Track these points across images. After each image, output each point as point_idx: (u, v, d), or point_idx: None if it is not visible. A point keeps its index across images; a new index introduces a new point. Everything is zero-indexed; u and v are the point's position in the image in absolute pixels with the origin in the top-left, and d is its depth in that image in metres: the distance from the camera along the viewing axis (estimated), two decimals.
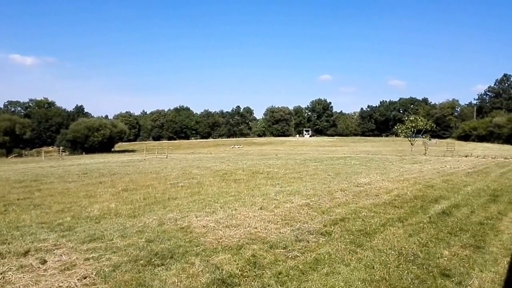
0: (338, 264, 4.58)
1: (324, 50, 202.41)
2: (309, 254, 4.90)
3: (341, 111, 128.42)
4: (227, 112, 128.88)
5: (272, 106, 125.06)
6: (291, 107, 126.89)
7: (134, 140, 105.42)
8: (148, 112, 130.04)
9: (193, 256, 4.75)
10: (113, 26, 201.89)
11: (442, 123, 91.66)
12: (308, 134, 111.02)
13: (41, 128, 77.45)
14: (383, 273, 4.28)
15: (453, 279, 4.20)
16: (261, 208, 7.77)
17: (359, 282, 4.03)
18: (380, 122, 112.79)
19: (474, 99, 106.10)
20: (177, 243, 5.31)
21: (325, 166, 18.26)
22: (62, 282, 3.95)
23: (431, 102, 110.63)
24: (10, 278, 4.04)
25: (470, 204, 8.55)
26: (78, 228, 6.27)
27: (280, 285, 3.96)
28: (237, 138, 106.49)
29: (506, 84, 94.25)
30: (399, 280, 4.12)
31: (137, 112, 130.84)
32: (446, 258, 4.86)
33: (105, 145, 57.48)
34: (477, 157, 27.32)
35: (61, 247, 5.14)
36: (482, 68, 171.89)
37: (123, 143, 75.88)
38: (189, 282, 3.98)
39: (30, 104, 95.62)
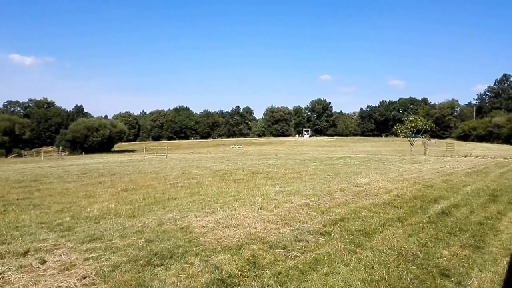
0: (337, 264, 4.59)
1: (324, 50, 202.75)
2: (308, 254, 4.90)
3: (341, 111, 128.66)
4: (226, 112, 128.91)
5: (271, 106, 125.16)
6: (290, 107, 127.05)
7: (134, 140, 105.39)
8: (147, 112, 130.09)
9: (193, 256, 4.75)
10: (112, 26, 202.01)
11: (442, 123, 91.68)
12: (308, 134, 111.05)
13: (40, 128, 77.39)
14: (383, 273, 4.29)
15: (453, 279, 4.21)
16: (260, 208, 7.77)
17: (359, 282, 4.03)
18: (380, 122, 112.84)
19: (474, 99, 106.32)
20: (176, 243, 5.31)
21: (325, 166, 18.26)
22: (61, 282, 3.95)
23: (430, 102, 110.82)
24: (9, 278, 4.04)
25: (469, 204, 8.56)
26: (78, 228, 6.27)
27: (280, 285, 3.96)
28: (237, 138, 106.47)
29: (506, 84, 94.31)
30: (399, 280, 4.12)
31: (136, 112, 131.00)
32: (445, 258, 4.87)
33: (105, 145, 57.45)
34: (477, 157, 27.33)
35: (61, 247, 5.13)
36: (482, 68, 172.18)
37: (123, 143, 75.85)
38: (189, 282, 3.98)
39: (30, 104, 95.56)
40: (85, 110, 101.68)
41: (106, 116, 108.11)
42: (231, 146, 63.86)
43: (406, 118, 41.32)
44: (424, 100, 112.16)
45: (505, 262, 4.77)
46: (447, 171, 15.93)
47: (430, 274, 4.33)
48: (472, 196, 9.64)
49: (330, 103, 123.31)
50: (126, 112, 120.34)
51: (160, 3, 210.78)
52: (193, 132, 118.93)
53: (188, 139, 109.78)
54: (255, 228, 6.17)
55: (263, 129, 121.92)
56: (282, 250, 5.05)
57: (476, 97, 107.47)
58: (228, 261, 4.58)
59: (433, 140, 53.65)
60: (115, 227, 6.24)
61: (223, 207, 7.85)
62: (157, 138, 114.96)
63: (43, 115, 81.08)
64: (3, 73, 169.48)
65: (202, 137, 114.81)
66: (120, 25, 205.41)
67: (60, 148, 48.21)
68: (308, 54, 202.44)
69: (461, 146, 48.73)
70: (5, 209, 8.09)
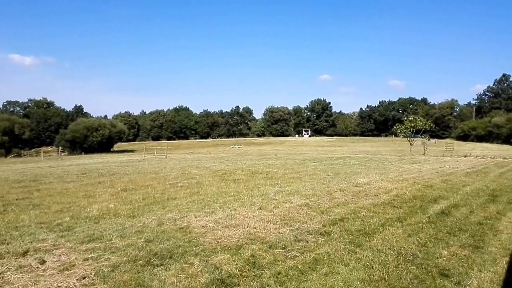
0: (337, 264, 4.59)
1: (324, 50, 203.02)
2: (308, 254, 4.90)
3: (340, 111, 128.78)
4: (226, 112, 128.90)
5: (271, 106, 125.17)
6: (290, 107, 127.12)
7: (133, 140, 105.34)
8: (147, 112, 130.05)
9: (192, 256, 4.75)
10: (112, 26, 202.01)
11: (441, 123, 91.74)
12: (308, 134, 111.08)
13: (40, 128, 77.34)
14: (382, 273, 4.29)
15: (452, 279, 4.21)
16: (260, 208, 7.77)
17: (358, 282, 4.03)
18: (379, 122, 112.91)
19: (473, 99, 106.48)
20: (176, 243, 5.31)
21: (324, 166, 18.27)
22: (61, 282, 3.95)
23: (430, 102, 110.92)
24: (9, 278, 4.04)
25: (469, 204, 8.56)
26: (77, 228, 6.27)
27: (279, 285, 3.96)
28: (236, 138, 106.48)
29: (505, 84, 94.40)
30: (398, 280, 4.13)
31: (136, 112, 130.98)
32: (445, 258, 4.87)
33: (104, 145, 57.42)
34: (476, 157, 27.35)
35: (60, 247, 5.13)
36: (481, 68, 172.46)
37: (122, 143, 75.80)
38: (188, 282, 3.97)
39: (29, 104, 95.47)
40: (84, 110, 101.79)
41: (105, 116, 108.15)
42: (231, 146, 63.85)
43: (405, 118, 41.34)
44: (424, 100, 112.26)
45: (504, 262, 4.77)
46: (446, 171, 15.94)
47: (430, 274, 4.33)
48: (472, 196, 9.64)
49: (329, 103, 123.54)
50: (125, 112, 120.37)
51: (160, 3, 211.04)
52: (192, 132, 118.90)
53: (187, 139, 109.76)
54: (255, 228, 6.17)
55: (263, 129, 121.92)
56: (281, 250, 5.05)
57: (475, 97, 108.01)
58: (227, 261, 4.58)
59: (433, 140, 53.68)
60: (114, 227, 6.23)
61: (222, 207, 7.84)
62: (156, 138, 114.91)
63: (43, 115, 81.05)
64: (2, 73, 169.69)
65: (201, 137, 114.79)
66: (120, 25, 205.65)
67: (60, 148, 48.14)
68: (308, 54, 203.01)
69: (460, 146, 48.75)
70: (5, 209, 8.09)
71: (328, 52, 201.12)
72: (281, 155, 30.97)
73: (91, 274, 4.16)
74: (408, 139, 37.54)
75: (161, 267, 4.40)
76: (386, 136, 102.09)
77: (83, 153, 51.24)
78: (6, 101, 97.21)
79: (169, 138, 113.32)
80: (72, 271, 4.26)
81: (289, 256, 4.83)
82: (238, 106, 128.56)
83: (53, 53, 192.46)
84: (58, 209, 8.05)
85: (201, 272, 4.24)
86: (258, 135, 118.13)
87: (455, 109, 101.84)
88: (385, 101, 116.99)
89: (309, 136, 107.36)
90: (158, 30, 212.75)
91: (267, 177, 13.62)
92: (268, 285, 3.95)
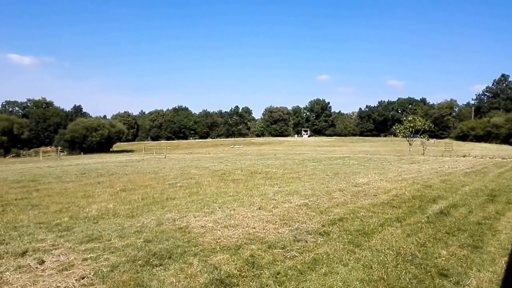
0: (336, 264, 4.59)
1: (323, 50, 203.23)
2: (307, 254, 4.91)
3: (340, 111, 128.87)
4: (225, 112, 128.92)
5: (270, 106, 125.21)
6: (289, 107, 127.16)
7: (133, 140, 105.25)
8: (146, 112, 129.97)
9: (192, 256, 4.75)
10: (111, 26, 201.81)
11: (440, 123, 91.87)
12: (307, 134, 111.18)
13: (39, 128, 77.18)
14: (381, 273, 4.29)
15: (451, 279, 4.21)
16: (259, 208, 7.77)
17: (357, 282, 4.04)
18: (379, 122, 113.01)
19: (472, 99, 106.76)
20: (175, 243, 5.30)
21: (324, 166, 18.27)
22: (60, 283, 3.94)
23: (429, 102, 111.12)
24: (8, 279, 4.03)
25: (468, 204, 8.57)
26: (76, 228, 6.26)
27: (279, 285, 3.96)
28: (236, 138, 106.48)
29: (504, 84, 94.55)
30: (397, 280, 4.13)
31: (135, 112, 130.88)
32: (444, 258, 4.87)
33: (103, 145, 57.39)
34: (475, 157, 27.40)
35: (59, 247, 5.12)
36: (480, 68, 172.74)
37: (122, 143, 75.76)
38: (188, 282, 3.97)
39: (28, 104, 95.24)
40: (83, 110, 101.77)
41: (104, 116, 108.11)
42: (231, 146, 63.85)
43: (404, 118, 41.34)
44: (423, 100, 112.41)
45: (503, 262, 4.78)
46: (445, 171, 15.96)
47: (429, 274, 4.34)
48: (471, 196, 9.66)
49: (329, 103, 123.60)
50: (125, 112, 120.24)
51: (160, 3, 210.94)
52: (192, 132, 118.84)
53: (187, 139, 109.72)
54: (254, 228, 6.17)
55: (262, 129, 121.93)
56: (281, 250, 5.05)
57: (474, 97, 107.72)
58: (226, 261, 4.58)
59: (432, 140, 53.69)
60: (113, 227, 6.22)
61: (222, 207, 7.84)
62: (156, 138, 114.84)
63: (42, 115, 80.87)
64: (1, 73, 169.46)
65: (201, 137, 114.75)
66: (119, 25, 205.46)
67: (59, 148, 48.06)
68: (307, 54, 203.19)
69: (459, 146, 48.83)
70: (4, 209, 8.07)
71: (327, 52, 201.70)
72: (280, 155, 30.97)
73: (90, 274, 4.16)
74: (407, 139, 37.54)
75: (160, 267, 4.39)
76: (385, 136, 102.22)
77: (82, 153, 51.20)
78: (5, 101, 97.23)
79: (168, 138, 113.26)
80: (71, 271, 4.26)
81: (288, 256, 4.83)
82: (237, 106, 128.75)
83: (52, 53, 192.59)
84: (57, 209, 8.04)
85: (200, 272, 4.24)
86: (257, 135, 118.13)
87: (454, 109, 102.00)
88: (384, 101, 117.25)
89: (308, 136, 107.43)
90: (157, 30, 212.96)
91: (266, 177, 13.62)
92: (267, 285, 3.95)
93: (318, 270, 4.37)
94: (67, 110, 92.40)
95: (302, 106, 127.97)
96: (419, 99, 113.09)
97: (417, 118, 38.77)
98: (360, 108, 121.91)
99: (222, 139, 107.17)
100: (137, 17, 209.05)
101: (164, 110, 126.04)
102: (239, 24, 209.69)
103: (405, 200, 9.01)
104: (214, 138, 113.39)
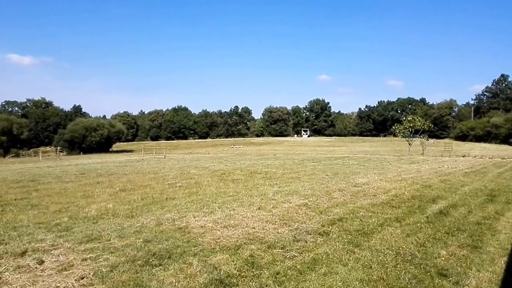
0: (336, 264, 4.59)
1: (322, 50, 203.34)
2: (307, 254, 4.90)
3: (339, 111, 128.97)
4: (225, 112, 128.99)
5: (270, 106, 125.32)
6: (289, 107, 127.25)
7: (132, 140, 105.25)
8: (146, 112, 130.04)
9: (191, 256, 4.74)
10: (111, 26, 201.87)
11: (440, 123, 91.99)
12: (306, 134, 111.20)
13: (38, 128, 77.10)
14: (381, 273, 4.29)
15: (451, 279, 4.22)
16: (259, 208, 7.77)
17: (357, 282, 4.04)
18: (378, 122, 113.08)
19: (472, 99, 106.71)
20: (175, 243, 5.30)
21: (323, 166, 18.28)
22: (59, 283, 3.94)
23: (428, 102, 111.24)
24: (7, 279, 4.03)
25: (467, 204, 8.58)
26: (76, 228, 6.25)
27: (278, 285, 3.96)
28: (235, 138, 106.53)
29: (504, 85, 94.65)
30: (397, 280, 4.13)
31: (135, 112, 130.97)
32: (443, 258, 4.88)
33: (103, 145, 57.39)
34: (475, 157, 27.42)
35: (59, 247, 5.12)
36: (480, 68, 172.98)
37: (121, 143, 75.77)
38: (187, 283, 3.97)
39: (28, 104, 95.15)
40: (83, 110, 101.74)
41: (104, 116, 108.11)
42: (231, 146, 63.84)
43: (404, 118, 41.36)
44: (422, 100, 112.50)
45: (502, 262, 4.78)
46: (445, 171, 15.97)
47: (428, 274, 4.34)
48: (470, 196, 9.66)
49: (328, 103, 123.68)
50: (124, 112, 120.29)
51: (160, 3, 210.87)
52: (191, 132, 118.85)
53: (186, 139, 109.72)
54: (254, 228, 6.17)
55: (262, 129, 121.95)
56: (280, 250, 5.05)
57: (474, 97, 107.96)
58: (226, 261, 4.58)
59: (431, 140, 53.71)
60: (113, 227, 6.22)
61: (221, 207, 7.84)
62: (155, 138, 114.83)
63: (41, 115, 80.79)
64: (1, 73, 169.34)
65: (200, 137, 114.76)
66: (119, 25, 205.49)
67: (58, 148, 48.09)
68: (307, 54, 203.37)
69: (459, 146, 48.87)
70: (3, 209, 8.06)
71: (327, 52, 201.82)
72: (280, 155, 30.97)
73: (89, 274, 4.15)
74: (407, 139, 37.57)
75: (160, 267, 4.39)
76: (384, 136, 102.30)
77: (81, 153, 51.18)
78: (5, 101, 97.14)
79: (168, 138, 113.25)
80: (70, 271, 4.25)
81: (287, 256, 4.83)
82: (237, 106, 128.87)
83: (51, 53, 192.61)
84: (57, 209, 8.04)
85: (200, 272, 4.24)
86: (257, 135, 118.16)
87: (454, 109, 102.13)
88: (383, 101, 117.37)
89: (308, 136, 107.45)
90: (157, 30, 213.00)
91: (266, 177, 13.62)
92: (266, 285, 3.95)
93: (317, 270, 4.37)
94: (66, 110, 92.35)
95: (301, 106, 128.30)
96: (418, 99, 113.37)
97: (417, 118, 38.80)
98: (360, 108, 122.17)
99: (222, 139, 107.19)
100: (137, 17, 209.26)
101: (164, 110, 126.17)
102: (239, 24, 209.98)
103: (405, 200, 9.01)
104: (214, 138, 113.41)
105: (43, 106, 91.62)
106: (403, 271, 4.37)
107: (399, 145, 49.78)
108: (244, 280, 4.07)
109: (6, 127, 61.66)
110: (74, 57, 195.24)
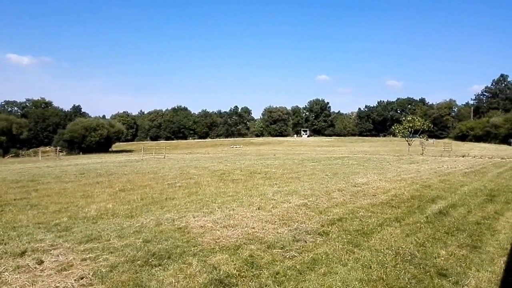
0: (335, 264, 4.59)
1: (322, 50, 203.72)
2: (306, 254, 4.91)
3: (339, 111, 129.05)
4: (225, 112, 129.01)
5: (270, 106, 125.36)
6: (289, 107, 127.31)
7: (132, 140, 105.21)
8: (145, 112, 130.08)
9: (191, 256, 4.74)
10: (111, 26, 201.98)
11: (439, 123, 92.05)
12: (306, 134, 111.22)
13: (38, 128, 77.01)
14: (380, 273, 4.29)
15: (450, 278, 4.22)
16: (258, 208, 7.77)
17: (357, 282, 4.04)
18: (378, 122, 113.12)
19: (471, 99, 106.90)
20: (174, 243, 5.30)
21: (323, 166, 18.28)
22: (59, 283, 3.93)
23: (428, 102, 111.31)
24: (6, 279, 4.02)
25: (467, 204, 8.58)
26: (75, 228, 6.25)
27: (278, 285, 3.96)
28: (235, 138, 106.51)
29: (503, 85, 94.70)
30: (396, 280, 4.13)
31: (134, 112, 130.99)
32: (443, 258, 4.88)
33: (103, 145, 57.36)
34: (474, 157, 27.43)
35: (58, 247, 5.12)
36: (479, 68, 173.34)
37: (121, 143, 75.73)
38: (187, 283, 3.97)
39: (27, 104, 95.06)
40: (83, 110, 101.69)
41: (104, 116, 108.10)
42: (231, 146, 63.82)
43: (404, 118, 41.36)
44: (422, 100, 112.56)
45: (502, 262, 4.78)
46: (444, 171, 15.97)
47: (428, 274, 4.34)
48: (470, 196, 9.67)
49: (328, 103, 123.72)
50: (124, 112, 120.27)
51: (160, 3, 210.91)
52: (191, 132, 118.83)
53: (186, 139, 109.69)
54: (253, 228, 6.17)
55: (261, 129, 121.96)
56: (280, 250, 5.05)
57: (473, 97, 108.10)
58: (226, 261, 4.58)
59: (431, 140, 53.76)
60: (112, 228, 6.22)
61: (221, 207, 7.84)
62: (155, 138, 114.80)
63: (41, 115, 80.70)
64: (0, 73, 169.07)
65: (200, 137, 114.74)
66: (119, 25, 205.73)
67: (58, 148, 48.07)
68: (306, 54, 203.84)
69: (458, 146, 48.89)
70: (2, 209, 8.05)
71: (327, 52, 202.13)
72: (280, 155, 30.97)
73: (89, 274, 4.15)
74: (406, 139, 37.57)
75: (159, 267, 4.39)
76: (384, 136, 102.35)
77: (81, 153, 51.16)
78: (4, 101, 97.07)
79: (167, 138, 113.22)
80: (70, 271, 4.25)
81: (287, 256, 4.83)
82: (236, 106, 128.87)
83: (51, 53, 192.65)
84: (56, 209, 8.03)
85: (199, 272, 4.24)
86: (257, 135, 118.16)
87: (453, 109, 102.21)
88: (383, 101, 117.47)
89: (308, 136, 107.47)
90: (157, 30, 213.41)
91: (265, 177, 13.62)
92: (266, 285, 3.95)
93: (317, 270, 4.37)
94: (66, 110, 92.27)
95: (301, 106, 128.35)
96: (418, 99, 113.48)
97: (416, 118, 38.80)
98: (359, 108, 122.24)
99: (222, 139, 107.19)
100: (137, 17, 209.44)
101: (164, 110, 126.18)
102: (239, 24, 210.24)
103: (404, 200, 9.01)
104: (214, 138, 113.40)
105: (42, 106, 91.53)
106: (403, 271, 4.37)
107: (398, 145, 49.80)
108: (243, 280, 4.07)
109: (5, 127, 61.64)
110: (74, 57, 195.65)
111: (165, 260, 4.61)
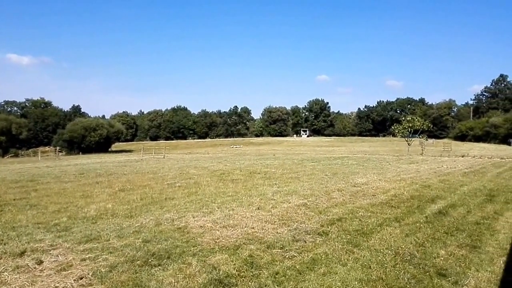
0: (335, 264, 4.59)
1: (322, 50, 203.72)
2: (306, 254, 4.91)
3: (339, 111, 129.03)
4: (224, 112, 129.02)
5: (269, 106, 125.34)
6: (288, 107, 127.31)
7: (131, 140, 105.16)
8: (145, 112, 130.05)
9: (190, 257, 4.74)
10: (111, 26, 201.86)
11: (439, 123, 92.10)
12: (306, 134, 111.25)
13: (37, 128, 76.94)
14: (380, 273, 4.29)
15: (450, 278, 4.22)
16: (258, 208, 7.77)
17: (356, 282, 4.04)
18: (377, 122, 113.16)
19: (471, 99, 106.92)
20: (174, 243, 5.30)
21: (323, 166, 18.28)
22: (58, 283, 3.93)
23: (428, 102, 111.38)
24: (6, 279, 4.02)
25: (466, 204, 8.59)
26: (75, 228, 6.24)
27: (277, 285, 3.96)
28: (235, 138, 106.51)
29: (503, 85, 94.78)
30: (396, 280, 4.13)
31: (134, 112, 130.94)
32: (442, 258, 4.88)
33: (102, 145, 57.33)
34: (474, 157, 27.45)
35: (58, 247, 5.11)
36: (479, 68, 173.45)
37: (120, 143, 75.69)
38: (186, 283, 3.97)
39: (27, 104, 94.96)
40: (82, 110, 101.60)
41: (103, 116, 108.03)
42: (230, 146, 63.81)
43: (403, 118, 41.38)
44: (422, 100, 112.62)
45: (501, 262, 4.79)
46: (444, 171, 15.98)
47: (427, 273, 4.34)
48: (469, 196, 9.68)
49: (328, 103, 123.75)
50: (123, 112, 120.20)
51: (160, 3, 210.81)
52: (191, 132, 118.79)
53: (186, 139, 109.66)
54: (253, 228, 6.17)
55: (261, 129, 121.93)
56: (279, 250, 5.05)
57: (473, 97, 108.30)
58: (225, 261, 4.58)
59: (431, 140, 53.82)
60: (112, 228, 6.21)
61: (220, 207, 7.83)
62: (154, 138, 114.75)
63: (40, 115, 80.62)
64: (0, 73, 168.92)
65: (200, 137, 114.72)
66: (119, 25, 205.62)
67: (57, 148, 48.06)
68: (306, 54, 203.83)
69: (458, 146, 48.93)
70: (2, 209, 8.04)
71: (327, 52, 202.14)
72: (279, 155, 30.97)
73: (88, 274, 4.15)
74: (406, 139, 37.60)
75: (159, 267, 4.39)
76: (384, 136, 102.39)
77: (80, 153, 51.13)
78: (4, 101, 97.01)
79: (167, 138, 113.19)
80: (69, 271, 4.25)
81: (287, 256, 4.83)
82: (236, 106, 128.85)
83: (51, 53, 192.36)
84: (56, 209, 8.02)
85: (199, 272, 4.24)
86: (256, 135, 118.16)
87: (453, 109, 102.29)
88: (383, 101, 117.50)
89: (307, 136, 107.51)
90: (157, 30, 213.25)
91: (265, 177, 13.62)
92: (266, 285, 3.95)
93: (317, 270, 4.38)
94: (65, 110, 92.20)
95: (301, 106, 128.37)
96: (417, 99, 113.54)
97: (416, 118, 38.85)
98: (359, 108, 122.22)
99: (221, 139, 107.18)
100: (136, 17, 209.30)
101: (163, 110, 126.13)
102: (238, 24, 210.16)
103: (404, 200, 9.02)
104: (213, 138, 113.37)
105: (42, 106, 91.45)
106: (402, 271, 4.37)
107: (398, 145, 49.83)
108: (243, 280, 4.07)
109: (5, 127, 61.57)
110: (74, 57, 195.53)
111: (165, 260, 4.61)
